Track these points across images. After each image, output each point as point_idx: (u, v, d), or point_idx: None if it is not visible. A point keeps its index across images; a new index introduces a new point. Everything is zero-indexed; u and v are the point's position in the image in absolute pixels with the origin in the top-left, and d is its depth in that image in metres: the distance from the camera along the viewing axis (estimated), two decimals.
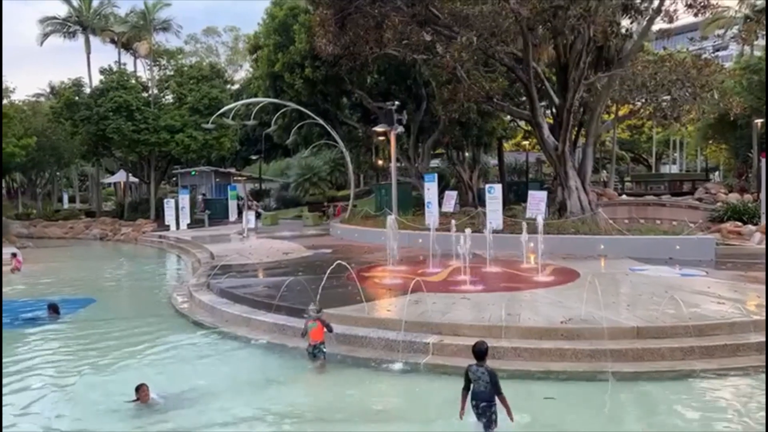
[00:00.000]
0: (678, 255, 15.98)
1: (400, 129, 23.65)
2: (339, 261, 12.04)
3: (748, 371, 8.20)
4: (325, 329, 9.29)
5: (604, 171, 50.48)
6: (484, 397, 6.39)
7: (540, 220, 15.10)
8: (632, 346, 8.69)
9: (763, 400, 7.21)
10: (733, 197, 24.42)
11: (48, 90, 44.56)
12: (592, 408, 7.47)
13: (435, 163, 45.53)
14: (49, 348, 10.98)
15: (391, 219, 15.57)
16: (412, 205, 28.71)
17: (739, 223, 19.30)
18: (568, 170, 21.01)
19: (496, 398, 6.36)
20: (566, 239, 17.87)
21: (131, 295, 17.86)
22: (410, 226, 21.33)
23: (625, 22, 21.49)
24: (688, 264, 14.98)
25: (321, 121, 30.55)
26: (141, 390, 7.59)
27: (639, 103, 24.23)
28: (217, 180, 47.99)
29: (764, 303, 10.09)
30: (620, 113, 32.11)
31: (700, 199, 26.04)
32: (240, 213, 35.01)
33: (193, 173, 46.27)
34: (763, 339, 8.72)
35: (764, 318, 9.28)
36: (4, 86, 30.54)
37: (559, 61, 21.66)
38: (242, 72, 65.47)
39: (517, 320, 9.61)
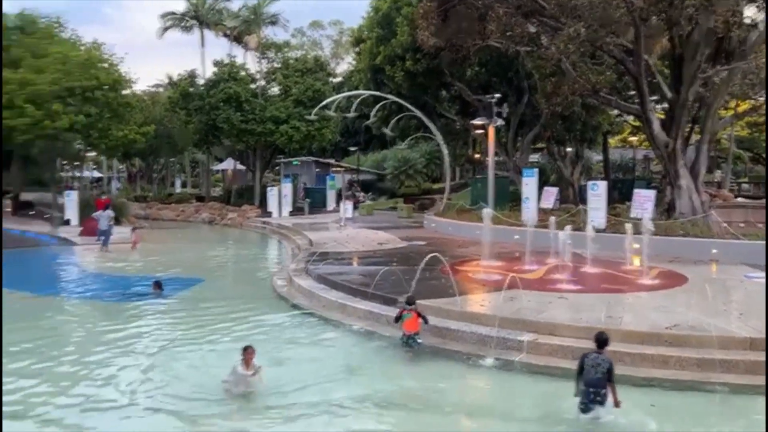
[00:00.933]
0: None
1: (500, 122, 23.28)
2: (434, 253, 12.07)
3: None
4: (420, 320, 9.37)
5: (719, 171, 47.18)
6: (601, 384, 6.67)
7: (647, 220, 14.39)
8: (744, 358, 8.15)
9: None
10: None
11: (166, 81, 47.55)
12: (694, 419, 7.10)
13: (534, 157, 44.44)
14: (151, 321, 11.86)
15: (487, 213, 15.41)
16: (509, 200, 28.19)
17: None
18: (678, 168, 19.86)
19: None
20: (674, 241, 16.93)
21: (235, 277, 18.86)
22: (506, 222, 21.00)
23: (750, 11, 19.94)
24: None
25: (419, 114, 30.67)
26: (247, 351, 7.76)
27: (762, 99, 22.44)
28: (317, 170, 49.45)
29: None
30: (740, 109, 29.87)
31: None
32: (338, 202, 35.90)
33: (295, 163, 47.92)
34: None
35: None
36: (127, 78, 32.83)
37: (674, 53, 20.46)
38: (344, 65, 66.81)
39: (618, 323, 9.26)
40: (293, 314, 12.20)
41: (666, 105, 21.92)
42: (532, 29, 21.10)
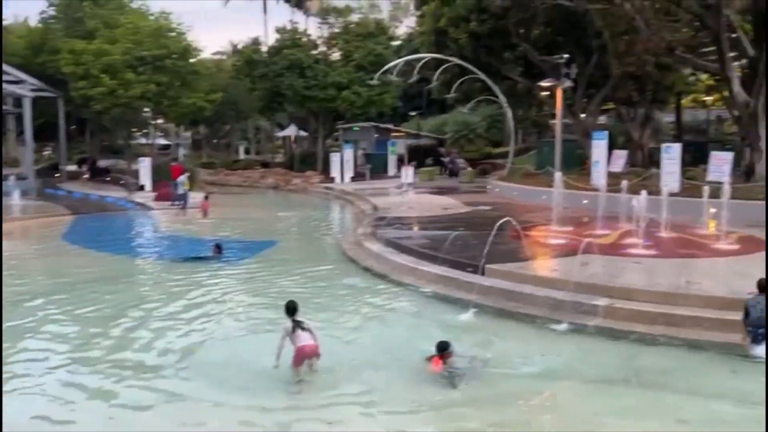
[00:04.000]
0: None
1: (568, 83, 22.61)
2: (506, 218, 12.04)
3: None
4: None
5: None
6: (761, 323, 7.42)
7: (726, 184, 13.84)
8: None
9: None
10: None
11: (230, 48, 48.30)
12: None
13: (601, 119, 42.96)
14: (226, 282, 12.34)
15: (557, 177, 15.20)
16: (576, 164, 27.58)
17: None
18: (759, 130, 18.91)
19: None
20: (754, 206, 16.20)
21: (303, 240, 19.37)
22: (574, 186, 20.60)
23: None
24: None
25: (483, 76, 30.14)
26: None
27: None
28: (377, 136, 49.39)
29: None
30: None
31: None
32: (399, 168, 35.99)
33: (355, 129, 48.03)
34: None
35: None
36: (195, 46, 33.64)
37: (756, 6, 19.26)
38: (403, 27, 65.92)
39: (695, 288, 9.10)
40: (364, 276, 12.51)
41: (746, 63, 20.75)
42: None
